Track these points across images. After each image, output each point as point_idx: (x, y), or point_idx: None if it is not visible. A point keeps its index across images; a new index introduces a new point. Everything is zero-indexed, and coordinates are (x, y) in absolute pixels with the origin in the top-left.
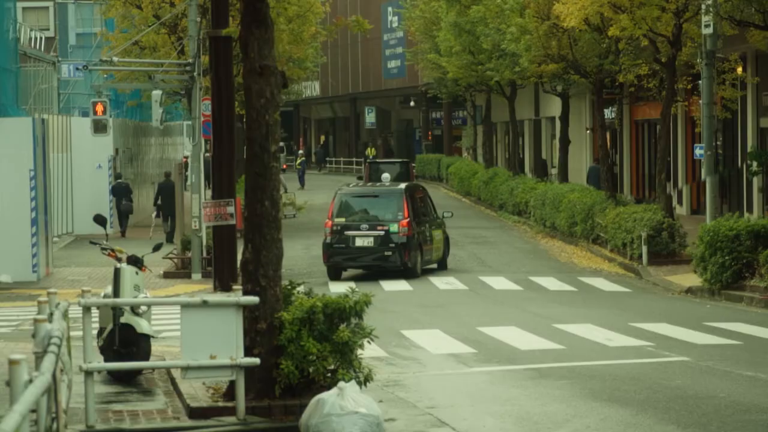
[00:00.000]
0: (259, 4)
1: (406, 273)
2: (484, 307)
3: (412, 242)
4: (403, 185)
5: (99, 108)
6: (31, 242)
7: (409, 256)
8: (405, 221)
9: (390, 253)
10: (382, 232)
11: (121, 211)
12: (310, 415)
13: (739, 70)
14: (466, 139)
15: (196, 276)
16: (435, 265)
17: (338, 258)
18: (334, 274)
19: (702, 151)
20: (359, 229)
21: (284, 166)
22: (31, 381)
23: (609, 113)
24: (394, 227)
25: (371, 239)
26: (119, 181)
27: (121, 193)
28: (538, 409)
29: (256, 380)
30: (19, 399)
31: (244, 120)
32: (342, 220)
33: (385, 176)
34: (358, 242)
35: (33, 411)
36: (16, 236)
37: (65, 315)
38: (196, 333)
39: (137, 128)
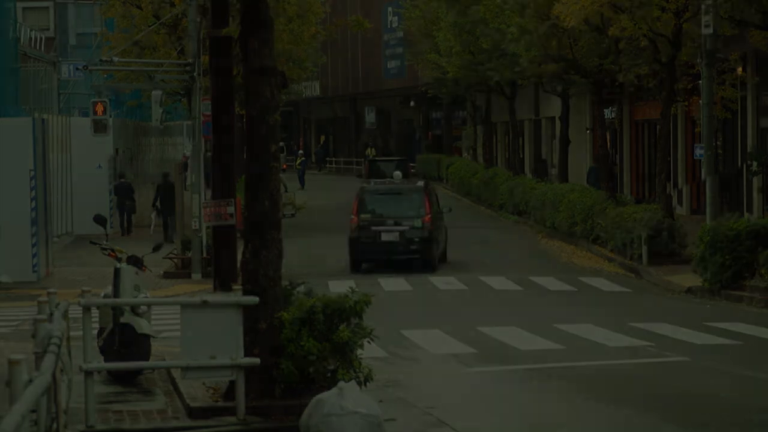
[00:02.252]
0: (259, 4)
1: (427, 266)
2: (484, 307)
3: (433, 236)
4: (422, 183)
5: (99, 108)
6: (31, 242)
7: (431, 250)
8: (428, 217)
9: (415, 247)
10: (407, 228)
11: (124, 211)
12: (310, 415)
13: (739, 70)
14: (466, 139)
15: (196, 276)
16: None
17: (365, 252)
18: (357, 267)
19: (702, 151)
20: (385, 225)
21: (284, 166)
22: (31, 381)
23: (609, 113)
24: (417, 223)
25: (396, 234)
26: (122, 180)
27: (123, 192)
28: (538, 409)
29: (256, 380)
30: (19, 399)
31: (244, 120)
32: (368, 216)
33: (397, 174)
34: (384, 237)
35: (33, 411)
36: (16, 236)
37: (65, 315)
38: (196, 333)
39: (137, 128)
